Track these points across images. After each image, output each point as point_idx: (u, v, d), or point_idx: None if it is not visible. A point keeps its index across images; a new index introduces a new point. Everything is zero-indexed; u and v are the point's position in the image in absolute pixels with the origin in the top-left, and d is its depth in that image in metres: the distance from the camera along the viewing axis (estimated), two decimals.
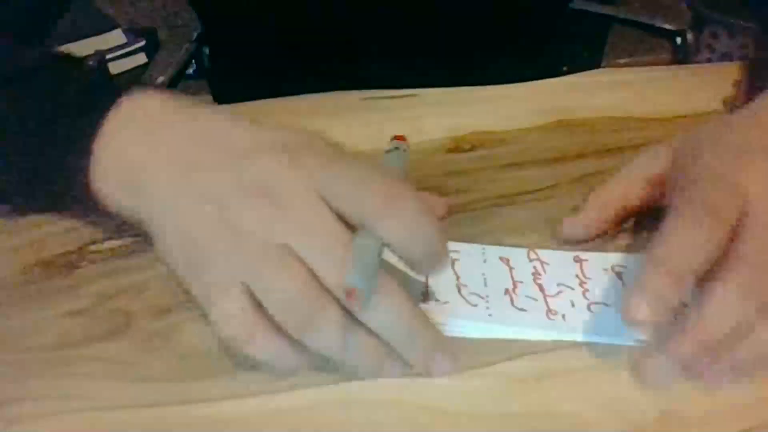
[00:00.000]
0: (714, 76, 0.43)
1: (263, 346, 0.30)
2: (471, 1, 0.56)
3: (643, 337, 0.33)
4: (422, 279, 0.35)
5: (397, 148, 0.37)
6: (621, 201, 0.39)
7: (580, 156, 0.46)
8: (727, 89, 0.50)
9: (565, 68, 0.57)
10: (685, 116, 0.49)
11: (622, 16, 0.79)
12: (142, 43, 1.26)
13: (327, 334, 0.29)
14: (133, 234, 0.39)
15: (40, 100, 0.35)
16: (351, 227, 0.30)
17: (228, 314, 0.30)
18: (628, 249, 0.39)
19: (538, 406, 0.31)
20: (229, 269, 0.30)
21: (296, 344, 0.30)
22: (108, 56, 1.21)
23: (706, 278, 0.31)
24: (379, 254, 0.30)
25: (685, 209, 0.32)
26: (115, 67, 1.22)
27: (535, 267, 0.37)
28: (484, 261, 0.38)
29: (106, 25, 1.25)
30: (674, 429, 0.30)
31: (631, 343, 0.34)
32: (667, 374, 0.31)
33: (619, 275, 0.37)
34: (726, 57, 1.36)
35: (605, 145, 0.47)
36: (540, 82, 0.53)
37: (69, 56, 0.38)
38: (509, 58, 0.58)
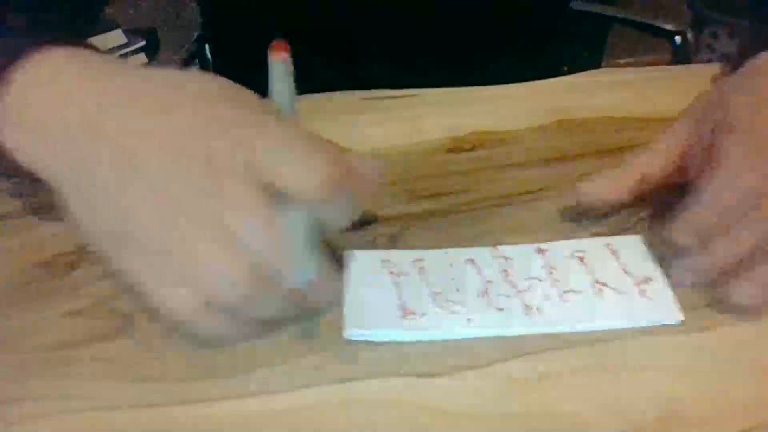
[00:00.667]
0: (712, 76, 0.43)
1: (204, 325, 0.29)
2: (471, 1, 0.56)
3: (618, 322, 0.35)
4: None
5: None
6: (641, 169, 0.39)
7: (580, 156, 0.46)
8: None
9: (565, 68, 0.57)
10: None
11: (621, 16, 0.79)
12: (142, 43, 1.26)
13: (265, 309, 0.29)
14: None
15: None
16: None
17: (167, 297, 0.29)
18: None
19: (538, 406, 0.31)
20: (162, 244, 0.29)
21: (236, 317, 0.29)
22: None
23: None
24: (308, 227, 0.30)
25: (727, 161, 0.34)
26: None
27: (501, 264, 0.38)
28: (450, 265, 0.38)
29: (106, 25, 1.25)
30: (674, 429, 0.30)
31: (607, 328, 0.34)
32: (694, 274, 0.35)
33: (582, 260, 0.38)
34: (726, 57, 1.36)
35: (605, 145, 0.47)
36: (540, 82, 0.53)
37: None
38: (509, 58, 0.58)
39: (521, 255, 0.38)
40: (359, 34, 0.56)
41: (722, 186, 0.34)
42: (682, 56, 0.81)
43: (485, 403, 0.31)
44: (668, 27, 0.80)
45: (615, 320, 0.34)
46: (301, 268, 0.30)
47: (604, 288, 0.36)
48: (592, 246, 0.39)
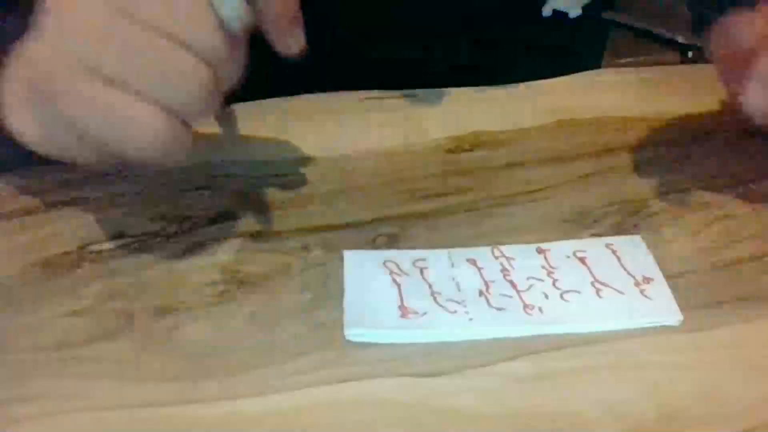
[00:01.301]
0: (714, 76, 0.43)
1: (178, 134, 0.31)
2: (472, 5, 0.56)
3: (617, 322, 0.34)
4: None
5: None
6: None
7: (580, 156, 0.46)
8: None
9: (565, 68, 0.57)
10: (685, 116, 0.49)
11: (623, 21, 0.79)
12: None
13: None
14: (131, 234, 0.39)
15: None
16: None
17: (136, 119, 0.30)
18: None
19: (538, 406, 0.31)
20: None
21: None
22: None
23: None
24: None
25: None
26: None
27: (502, 264, 0.38)
28: (452, 265, 0.38)
29: None
30: (674, 429, 0.30)
31: (607, 328, 0.34)
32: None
33: (582, 260, 0.38)
34: None
35: (605, 145, 0.47)
36: (540, 82, 0.53)
37: None
38: (510, 59, 0.58)
39: (521, 255, 0.38)
40: (359, 34, 0.56)
41: None
42: (683, 56, 0.81)
43: (485, 403, 0.31)
44: (668, 35, 0.80)
45: (615, 320, 0.35)
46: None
47: (604, 288, 0.36)
48: (592, 246, 0.39)
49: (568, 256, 0.38)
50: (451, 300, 0.36)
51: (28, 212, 0.41)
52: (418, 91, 0.52)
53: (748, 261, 0.38)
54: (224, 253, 0.39)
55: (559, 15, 0.51)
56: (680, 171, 0.45)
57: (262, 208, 0.42)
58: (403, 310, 0.35)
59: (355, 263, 0.38)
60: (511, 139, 0.48)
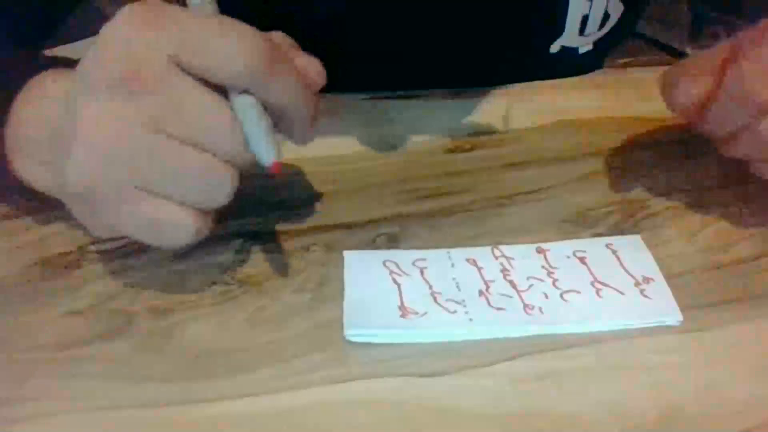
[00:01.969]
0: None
1: (201, 227, 0.32)
2: (471, 7, 0.56)
3: (618, 322, 0.34)
4: None
5: None
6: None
7: (580, 156, 0.46)
8: None
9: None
10: None
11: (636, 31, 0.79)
12: None
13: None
14: None
15: None
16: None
17: (169, 217, 0.31)
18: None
19: (538, 406, 0.31)
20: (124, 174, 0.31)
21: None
22: None
23: None
24: (262, 113, 0.31)
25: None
26: None
27: (502, 264, 0.38)
28: (452, 265, 0.38)
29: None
30: (674, 429, 0.30)
31: (607, 328, 0.34)
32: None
33: (582, 260, 0.38)
34: None
35: (605, 145, 0.47)
36: (540, 82, 0.53)
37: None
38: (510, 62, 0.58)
39: (521, 255, 0.38)
40: (357, 37, 0.56)
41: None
42: (682, 57, 0.81)
43: (485, 403, 0.31)
44: (665, 41, 0.80)
45: (615, 320, 0.35)
46: (263, 152, 0.31)
47: (604, 288, 0.36)
48: (592, 246, 0.39)
49: (568, 256, 0.38)
50: (451, 300, 0.36)
51: (28, 212, 0.41)
52: (419, 92, 0.52)
53: (748, 261, 0.38)
54: (224, 253, 0.39)
55: (567, 50, 0.51)
56: (680, 171, 0.44)
57: (262, 208, 0.42)
58: (403, 310, 0.35)
59: (355, 263, 0.38)
60: (511, 139, 0.48)
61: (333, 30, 0.50)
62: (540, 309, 0.35)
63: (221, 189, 0.32)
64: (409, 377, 0.32)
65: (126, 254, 0.38)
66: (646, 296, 0.36)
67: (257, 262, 0.38)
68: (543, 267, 0.37)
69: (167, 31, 0.30)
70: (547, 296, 0.36)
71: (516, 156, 0.46)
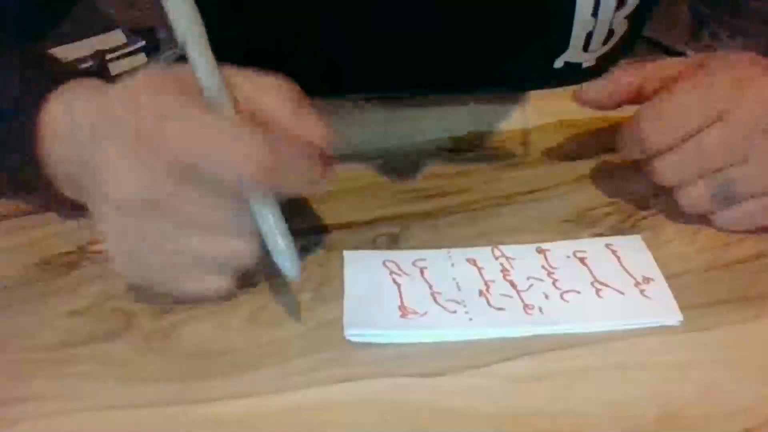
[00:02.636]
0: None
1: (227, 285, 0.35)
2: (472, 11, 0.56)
3: (617, 322, 0.34)
4: None
5: None
6: (643, 74, 0.41)
7: (580, 156, 0.46)
8: None
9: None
10: None
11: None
12: (142, 43, 1.26)
13: None
14: None
15: None
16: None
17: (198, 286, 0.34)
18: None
19: (538, 406, 0.31)
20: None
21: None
22: (108, 56, 1.21)
23: None
24: (278, 212, 0.33)
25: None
26: (115, 67, 1.22)
27: (502, 264, 0.38)
28: (452, 265, 0.38)
29: (106, 25, 1.25)
30: (674, 429, 0.30)
31: (607, 328, 0.34)
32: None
33: (582, 260, 0.38)
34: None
35: (605, 145, 0.46)
36: None
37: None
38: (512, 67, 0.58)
39: (521, 255, 0.38)
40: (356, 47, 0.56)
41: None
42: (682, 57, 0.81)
43: (485, 403, 0.31)
44: (664, 42, 0.80)
45: (615, 320, 0.34)
46: (288, 267, 0.33)
47: (604, 288, 0.36)
48: (592, 246, 0.39)
49: (568, 256, 0.38)
50: (451, 300, 0.36)
51: (28, 212, 0.41)
52: (418, 92, 0.52)
53: (748, 261, 0.38)
54: None
55: (571, 65, 0.51)
56: None
57: None
58: (403, 310, 0.35)
59: (355, 263, 0.38)
60: (511, 139, 0.48)
61: (337, 42, 0.50)
62: (540, 309, 0.35)
63: (243, 259, 0.34)
64: (409, 377, 0.32)
65: None
66: (646, 296, 0.36)
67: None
68: (543, 267, 0.37)
69: (164, 150, 0.30)
70: (547, 296, 0.36)
71: (516, 156, 0.46)
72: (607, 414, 0.31)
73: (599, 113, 0.43)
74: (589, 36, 0.48)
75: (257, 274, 0.36)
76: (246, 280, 0.36)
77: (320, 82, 0.43)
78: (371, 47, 0.47)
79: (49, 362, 0.33)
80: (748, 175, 0.37)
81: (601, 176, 0.44)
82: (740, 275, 0.37)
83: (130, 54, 1.26)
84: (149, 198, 0.31)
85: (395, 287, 0.36)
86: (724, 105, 0.37)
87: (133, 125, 0.31)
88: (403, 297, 0.36)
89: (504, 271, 0.37)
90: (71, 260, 0.38)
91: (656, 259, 0.38)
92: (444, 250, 0.39)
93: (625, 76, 0.41)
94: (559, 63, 0.50)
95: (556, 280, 0.37)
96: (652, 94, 0.39)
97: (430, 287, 0.36)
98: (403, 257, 0.38)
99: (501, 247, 0.39)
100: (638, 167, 0.40)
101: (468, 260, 0.38)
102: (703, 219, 0.40)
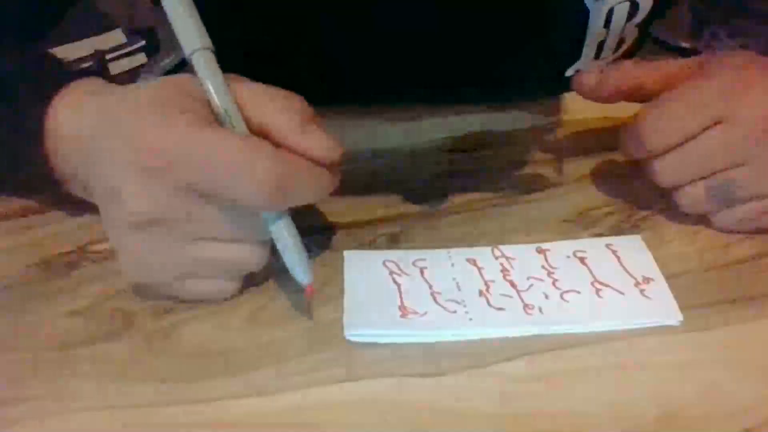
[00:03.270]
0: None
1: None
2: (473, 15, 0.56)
3: (617, 322, 0.34)
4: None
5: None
6: (643, 69, 0.41)
7: (580, 156, 0.46)
8: None
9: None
10: None
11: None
12: (142, 42, 1.26)
13: None
14: None
15: None
16: None
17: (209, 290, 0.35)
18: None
19: (538, 406, 0.31)
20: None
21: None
22: (108, 56, 1.21)
23: None
24: (290, 222, 0.33)
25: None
26: (115, 67, 1.22)
27: (502, 264, 0.38)
28: (452, 265, 0.38)
29: (106, 25, 1.25)
30: (674, 429, 0.30)
31: (607, 328, 0.34)
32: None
33: (582, 260, 0.38)
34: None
35: (605, 145, 0.46)
36: None
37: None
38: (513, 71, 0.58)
39: (521, 255, 0.38)
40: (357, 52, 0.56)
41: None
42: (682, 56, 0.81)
43: (485, 403, 0.31)
44: (667, 40, 0.80)
45: (615, 320, 0.34)
46: (301, 275, 0.34)
47: (604, 288, 0.36)
48: (592, 246, 0.39)
49: (568, 256, 0.38)
50: (451, 300, 0.36)
51: (28, 212, 0.41)
52: (420, 100, 0.52)
53: (748, 261, 0.38)
54: None
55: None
56: None
57: None
58: (403, 310, 0.35)
59: (355, 263, 0.38)
60: (511, 139, 0.48)
61: (341, 48, 0.50)
62: (540, 309, 0.35)
63: (252, 266, 0.35)
64: (409, 377, 0.32)
65: None
66: (646, 296, 0.36)
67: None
68: (543, 267, 0.37)
69: (177, 175, 0.31)
70: (547, 296, 0.36)
71: (516, 156, 0.46)
72: (607, 414, 0.31)
73: (599, 113, 0.43)
74: (601, 45, 0.48)
75: (257, 274, 0.36)
76: (247, 280, 0.36)
77: (320, 83, 0.43)
78: (371, 47, 0.47)
79: (49, 362, 0.33)
80: (748, 176, 0.37)
81: (601, 176, 0.44)
82: (740, 275, 0.37)
83: (130, 54, 1.26)
84: (163, 217, 0.32)
85: (395, 287, 0.36)
86: (725, 107, 0.37)
87: (139, 139, 0.31)
88: (403, 297, 0.36)
89: (504, 271, 0.37)
90: (71, 260, 0.38)
91: (656, 259, 0.38)
92: (444, 250, 0.39)
93: (625, 66, 0.41)
94: (570, 71, 0.50)
95: (556, 280, 0.37)
96: (652, 94, 0.39)
97: (430, 287, 0.36)
98: (403, 257, 0.38)
99: (501, 247, 0.39)
100: (639, 167, 0.40)
101: (468, 260, 0.38)
102: (703, 219, 0.40)
